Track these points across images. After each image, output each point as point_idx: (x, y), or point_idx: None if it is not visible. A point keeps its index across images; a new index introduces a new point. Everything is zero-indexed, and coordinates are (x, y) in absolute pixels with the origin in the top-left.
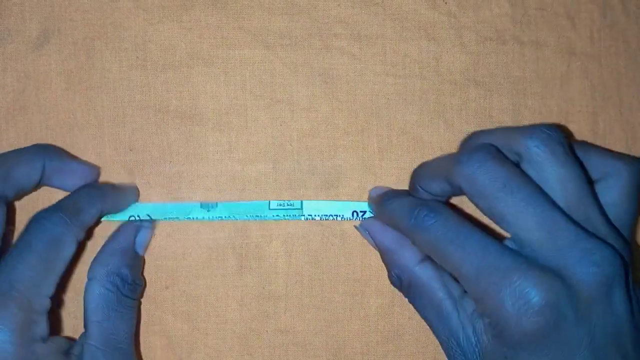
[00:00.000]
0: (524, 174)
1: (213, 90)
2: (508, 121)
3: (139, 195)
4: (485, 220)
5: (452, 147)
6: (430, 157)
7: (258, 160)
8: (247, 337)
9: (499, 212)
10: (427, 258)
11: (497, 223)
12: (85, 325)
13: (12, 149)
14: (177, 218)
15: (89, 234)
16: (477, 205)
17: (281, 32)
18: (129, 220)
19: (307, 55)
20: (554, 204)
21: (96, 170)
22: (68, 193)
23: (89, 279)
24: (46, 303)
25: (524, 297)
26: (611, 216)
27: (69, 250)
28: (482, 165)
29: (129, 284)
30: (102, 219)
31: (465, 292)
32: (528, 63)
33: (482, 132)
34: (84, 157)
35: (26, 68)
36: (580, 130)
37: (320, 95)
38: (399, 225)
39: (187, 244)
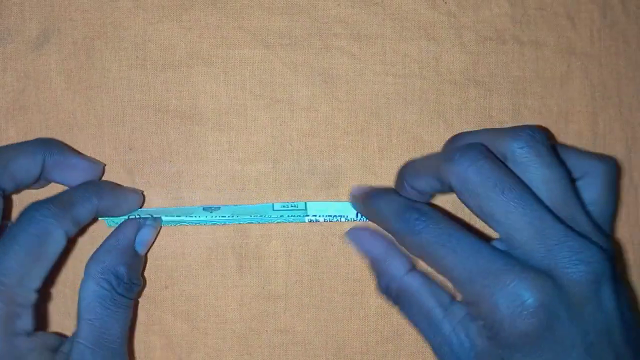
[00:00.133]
0: (514, 174)
1: (213, 90)
2: (508, 121)
3: (142, 202)
4: (469, 219)
5: None
6: None
7: (258, 160)
8: (247, 336)
9: (489, 211)
10: (416, 267)
11: (486, 221)
12: (77, 323)
13: None
14: (181, 222)
15: (83, 230)
16: (466, 204)
17: (281, 31)
18: (129, 218)
19: (307, 55)
20: (542, 204)
21: (99, 166)
22: None
23: (85, 276)
24: (31, 297)
25: (517, 299)
26: (592, 214)
27: (58, 245)
28: (474, 163)
29: (124, 283)
30: (104, 220)
31: (455, 298)
32: (528, 63)
33: (466, 133)
34: None
35: (26, 68)
36: (580, 130)
37: (320, 95)
38: (388, 227)
39: (187, 244)
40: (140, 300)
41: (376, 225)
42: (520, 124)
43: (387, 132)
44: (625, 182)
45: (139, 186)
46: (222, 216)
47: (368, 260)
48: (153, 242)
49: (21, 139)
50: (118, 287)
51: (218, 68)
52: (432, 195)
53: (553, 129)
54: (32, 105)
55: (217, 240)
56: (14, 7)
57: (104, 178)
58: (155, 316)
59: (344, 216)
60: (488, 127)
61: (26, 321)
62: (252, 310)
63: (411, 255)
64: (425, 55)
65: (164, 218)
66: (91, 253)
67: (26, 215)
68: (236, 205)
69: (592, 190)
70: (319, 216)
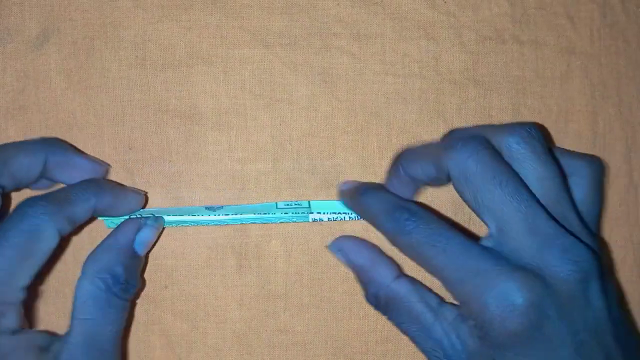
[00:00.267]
0: (511, 168)
1: (212, 90)
2: (507, 120)
3: (144, 203)
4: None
5: None
6: None
7: (257, 159)
8: (247, 336)
9: (485, 203)
10: (403, 273)
11: (479, 213)
12: (70, 322)
13: None
14: (183, 222)
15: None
16: (462, 193)
17: (281, 31)
18: (131, 217)
19: (307, 54)
20: (537, 200)
21: (103, 167)
22: None
23: (81, 274)
24: (18, 295)
25: (507, 299)
26: (580, 212)
27: (50, 243)
28: (475, 153)
29: (121, 283)
30: (103, 220)
31: (443, 301)
32: (527, 62)
33: (462, 128)
34: None
35: (26, 67)
36: (580, 130)
37: (320, 94)
38: (378, 226)
39: (187, 244)
40: (140, 300)
41: (361, 234)
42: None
43: (387, 131)
44: (625, 182)
45: (139, 186)
46: (226, 214)
47: (354, 271)
48: (155, 243)
49: (21, 138)
50: (114, 287)
51: (218, 68)
52: (423, 186)
53: (553, 129)
54: (32, 105)
55: (216, 240)
56: (13, 7)
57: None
58: (155, 316)
59: (348, 214)
60: None
61: (11, 319)
62: (251, 310)
63: (396, 262)
64: (425, 55)
65: (166, 218)
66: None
67: (18, 212)
68: (239, 205)
69: (578, 190)
70: (323, 214)
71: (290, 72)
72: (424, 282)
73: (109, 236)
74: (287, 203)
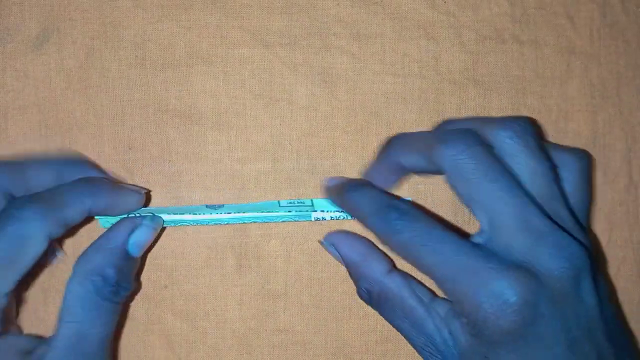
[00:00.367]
0: (504, 165)
1: (212, 89)
2: None
3: (146, 202)
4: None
5: None
6: None
7: (257, 159)
8: (246, 336)
9: (478, 198)
10: (395, 267)
11: (471, 208)
12: (56, 324)
13: (11, 148)
14: (183, 222)
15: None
16: (454, 188)
17: (280, 31)
18: (128, 216)
19: (307, 54)
20: (530, 196)
21: (141, 196)
22: None
23: (71, 275)
24: (1, 301)
25: (500, 297)
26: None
27: (37, 247)
28: (468, 148)
29: (111, 285)
30: (98, 219)
31: (435, 295)
32: (527, 62)
33: (456, 119)
34: None
35: (25, 67)
36: (580, 130)
37: (320, 94)
38: (367, 225)
39: (187, 243)
40: (140, 299)
41: (361, 232)
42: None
43: (387, 131)
44: (625, 182)
45: (139, 185)
46: (227, 212)
47: (346, 265)
48: (153, 244)
49: (21, 138)
50: (103, 289)
51: (217, 67)
52: (409, 174)
53: (553, 129)
54: (32, 105)
55: (216, 240)
56: (13, 7)
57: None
58: (154, 315)
59: None
60: None
61: None
62: (251, 309)
63: (389, 257)
64: (425, 55)
65: (165, 217)
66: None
67: (5, 214)
68: (241, 204)
69: (567, 184)
70: (326, 212)
71: (290, 72)
72: (416, 276)
73: (101, 236)
74: (290, 201)
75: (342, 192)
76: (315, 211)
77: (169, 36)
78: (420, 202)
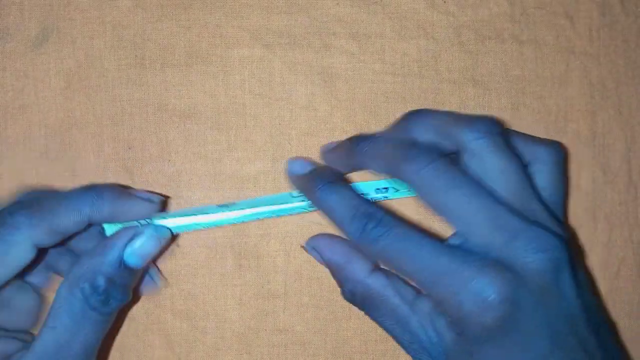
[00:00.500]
0: (467, 172)
1: (212, 89)
2: (507, 120)
3: (160, 208)
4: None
5: None
6: None
7: (257, 159)
8: (246, 335)
9: (447, 208)
10: (377, 267)
11: (442, 217)
12: (40, 329)
13: (11, 147)
14: (196, 225)
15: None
16: (424, 201)
17: (280, 31)
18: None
19: (306, 54)
20: (498, 198)
21: (155, 203)
22: None
23: (64, 278)
24: None
25: (480, 295)
26: (544, 200)
27: (22, 256)
28: (430, 163)
29: (99, 294)
30: (104, 227)
31: (419, 293)
32: (527, 62)
33: (420, 113)
34: (83, 156)
35: (25, 67)
36: (579, 130)
37: (319, 94)
38: (341, 229)
39: (186, 243)
40: (139, 299)
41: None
42: (520, 124)
43: None
44: (625, 182)
45: (138, 185)
46: (241, 208)
47: (329, 268)
48: (158, 254)
49: (21, 138)
50: (91, 298)
51: (217, 67)
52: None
53: (552, 128)
54: (31, 105)
55: (216, 240)
56: (13, 6)
57: (102, 177)
58: (154, 315)
59: (366, 194)
60: None
61: None
62: (251, 309)
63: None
64: (424, 55)
65: (175, 223)
66: None
67: None
68: (253, 199)
69: (541, 176)
70: None
71: (290, 71)
72: None
73: (99, 243)
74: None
75: (314, 189)
76: None
77: (168, 36)
78: (396, 201)
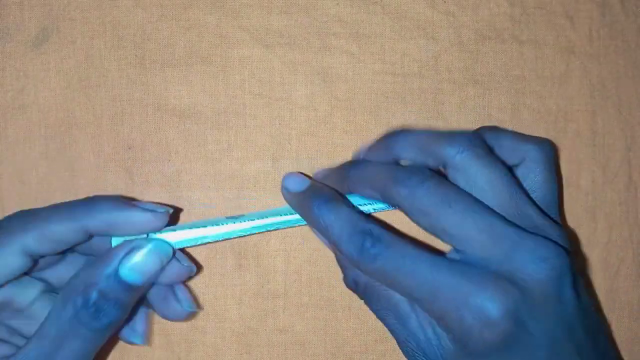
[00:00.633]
0: (458, 188)
1: (212, 89)
2: (507, 120)
3: (166, 220)
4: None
5: None
6: None
7: (257, 159)
8: (246, 335)
9: (441, 227)
10: None
11: (439, 237)
12: (30, 337)
13: (11, 147)
14: (204, 239)
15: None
16: (417, 223)
17: (280, 31)
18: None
19: (306, 54)
20: (491, 210)
21: (159, 215)
22: None
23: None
24: None
25: (482, 310)
26: (537, 200)
27: (14, 262)
28: (420, 184)
29: (88, 308)
30: (111, 239)
31: None
32: (527, 62)
33: (401, 133)
34: (83, 156)
35: (25, 67)
36: (580, 130)
37: (319, 94)
38: (337, 248)
39: None
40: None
41: None
42: (520, 123)
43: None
44: (625, 182)
45: (138, 185)
46: (250, 219)
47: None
48: (159, 271)
49: (21, 138)
50: (80, 312)
51: (217, 67)
52: None
53: (552, 128)
54: (32, 104)
55: None
56: (13, 6)
57: (102, 177)
58: (154, 315)
59: (370, 204)
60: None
61: None
62: (251, 309)
63: None
64: (424, 54)
65: (183, 235)
66: None
67: None
68: (260, 211)
69: (533, 175)
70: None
71: (290, 71)
72: None
73: (99, 255)
74: None
75: (309, 208)
76: None
77: (168, 35)
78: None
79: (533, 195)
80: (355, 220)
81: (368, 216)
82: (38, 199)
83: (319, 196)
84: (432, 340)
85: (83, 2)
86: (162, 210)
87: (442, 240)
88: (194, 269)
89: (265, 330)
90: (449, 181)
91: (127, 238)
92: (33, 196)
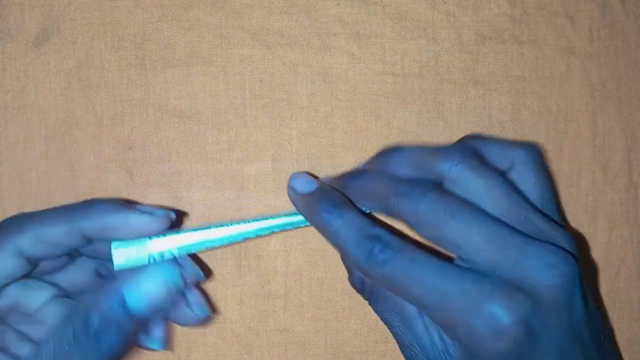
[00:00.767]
0: (460, 198)
1: (212, 89)
2: (507, 120)
3: (167, 223)
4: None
5: None
6: None
7: (257, 159)
8: (246, 336)
9: (447, 238)
10: None
11: (445, 248)
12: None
13: (11, 147)
14: (206, 243)
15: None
16: (422, 235)
17: (280, 31)
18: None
19: (306, 54)
20: (495, 218)
21: (158, 218)
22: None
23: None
24: None
25: (493, 319)
26: (535, 203)
27: (9, 264)
28: (422, 198)
29: (87, 332)
30: (112, 244)
31: None
32: (527, 62)
33: (395, 150)
34: (83, 156)
35: (25, 67)
36: (580, 130)
37: (320, 94)
38: (345, 254)
39: None
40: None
41: None
42: (520, 124)
43: (387, 131)
44: (625, 182)
45: (138, 186)
46: (255, 220)
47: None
48: (167, 302)
49: (20, 138)
50: (80, 334)
51: (217, 67)
52: None
53: (553, 129)
54: (32, 105)
55: None
56: (13, 7)
57: (102, 177)
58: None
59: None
60: (487, 126)
61: None
62: (251, 309)
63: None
64: (425, 55)
65: (186, 238)
66: None
67: None
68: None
69: (526, 178)
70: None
71: (290, 72)
72: None
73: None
74: None
75: (316, 211)
76: None
77: (169, 36)
78: None
79: (530, 199)
80: (364, 226)
81: (376, 221)
82: (38, 199)
83: (327, 200)
84: (438, 346)
85: (83, 2)
86: (161, 213)
87: (448, 250)
88: (201, 274)
89: (266, 330)
90: (450, 192)
91: (127, 242)
92: (33, 196)
